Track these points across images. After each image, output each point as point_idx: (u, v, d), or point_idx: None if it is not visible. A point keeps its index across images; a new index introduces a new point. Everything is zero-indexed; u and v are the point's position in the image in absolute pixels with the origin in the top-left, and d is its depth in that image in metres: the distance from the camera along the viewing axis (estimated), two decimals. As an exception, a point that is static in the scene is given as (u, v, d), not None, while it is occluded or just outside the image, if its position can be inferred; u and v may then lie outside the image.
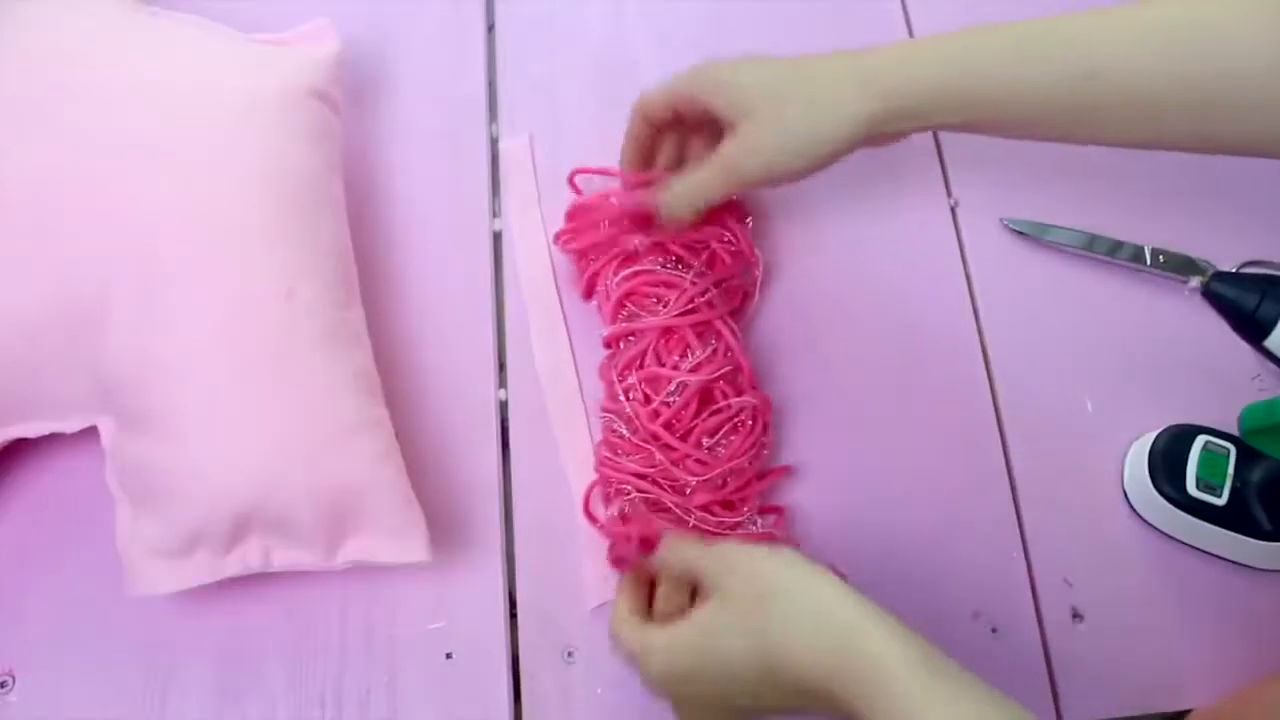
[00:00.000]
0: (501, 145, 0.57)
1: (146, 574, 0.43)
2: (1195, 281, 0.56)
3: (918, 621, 0.48)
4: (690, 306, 0.49)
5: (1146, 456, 0.51)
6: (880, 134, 0.45)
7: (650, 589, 0.44)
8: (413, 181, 0.56)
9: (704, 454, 0.48)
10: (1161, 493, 0.50)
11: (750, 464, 0.49)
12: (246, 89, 0.47)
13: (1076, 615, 0.50)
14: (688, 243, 0.50)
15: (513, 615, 0.48)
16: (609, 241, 0.51)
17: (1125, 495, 0.52)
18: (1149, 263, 0.56)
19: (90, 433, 0.46)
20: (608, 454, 0.49)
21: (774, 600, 0.37)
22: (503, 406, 0.52)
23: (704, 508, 0.47)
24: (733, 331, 0.49)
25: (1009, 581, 0.50)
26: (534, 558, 0.49)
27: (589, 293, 0.53)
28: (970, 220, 0.58)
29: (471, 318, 0.53)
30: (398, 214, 0.55)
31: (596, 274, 0.52)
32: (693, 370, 0.48)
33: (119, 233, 0.44)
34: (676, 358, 0.48)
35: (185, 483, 0.42)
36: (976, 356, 0.55)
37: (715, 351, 0.49)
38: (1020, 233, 0.57)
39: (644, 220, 0.50)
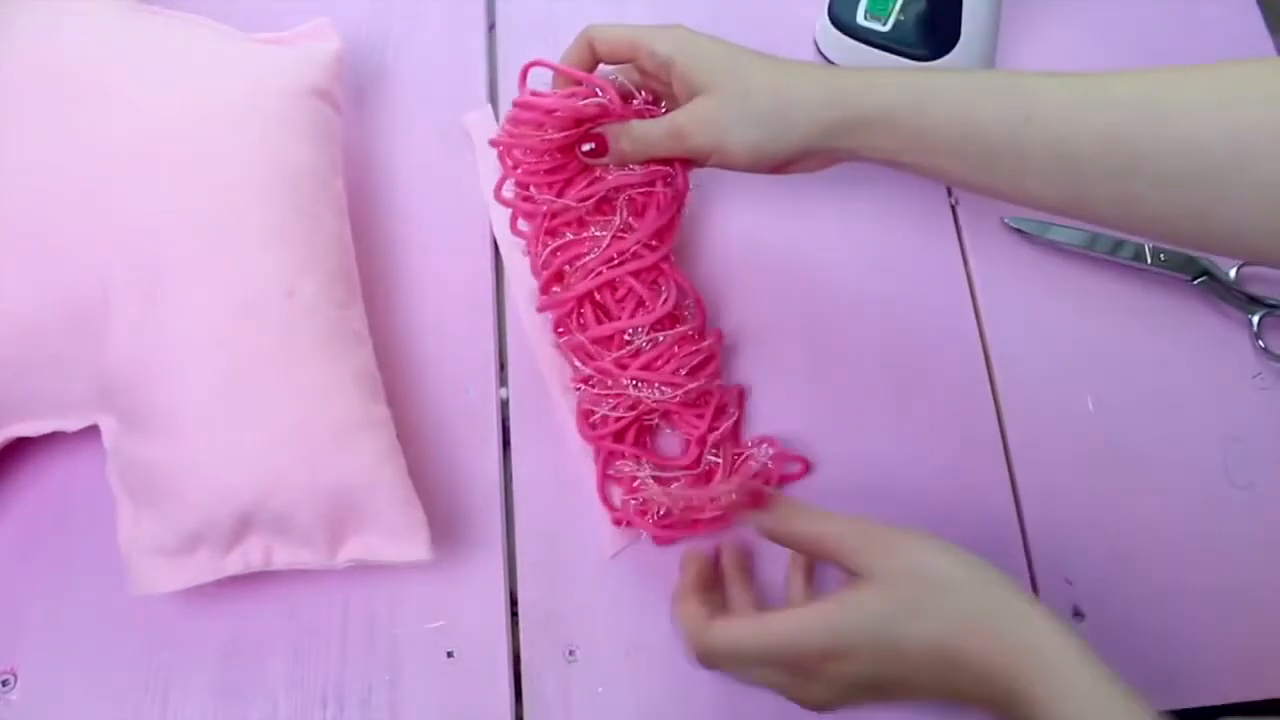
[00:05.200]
0: (465, 118, 0.57)
1: (148, 573, 0.43)
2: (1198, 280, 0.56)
3: (919, 620, 0.49)
4: (621, 259, 0.49)
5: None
6: (827, 148, 0.45)
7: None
8: (413, 181, 0.56)
9: (683, 379, 0.49)
10: (835, 23, 0.58)
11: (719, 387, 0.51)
12: (247, 88, 0.48)
13: (1077, 614, 0.50)
14: (624, 184, 0.49)
15: (514, 614, 0.48)
16: (553, 145, 0.49)
17: (816, 44, 0.61)
18: (1150, 261, 0.56)
19: (92, 432, 0.46)
20: (586, 420, 0.49)
21: (953, 591, 0.39)
22: (504, 405, 0.52)
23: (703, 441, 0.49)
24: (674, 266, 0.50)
25: (1010, 580, 0.50)
26: (535, 556, 0.49)
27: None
28: (971, 219, 0.58)
29: (472, 316, 0.53)
30: (398, 213, 0.55)
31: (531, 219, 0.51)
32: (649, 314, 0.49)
33: (120, 231, 0.44)
34: (630, 306, 0.49)
35: (186, 482, 0.42)
36: (977, 355, 0.55)
37: (667, 295, 0.50)
38: (1021, 231, 0.57)
39: (588, 131, 0.48)
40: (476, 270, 0.54)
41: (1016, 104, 0.41)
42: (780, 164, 0.46)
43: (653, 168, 0.49)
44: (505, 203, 0.52)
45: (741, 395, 0.52)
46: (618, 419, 0.48)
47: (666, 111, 0.48)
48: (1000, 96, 0.42)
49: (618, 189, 0.49)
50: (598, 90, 0.47)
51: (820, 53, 0.61)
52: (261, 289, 0.44)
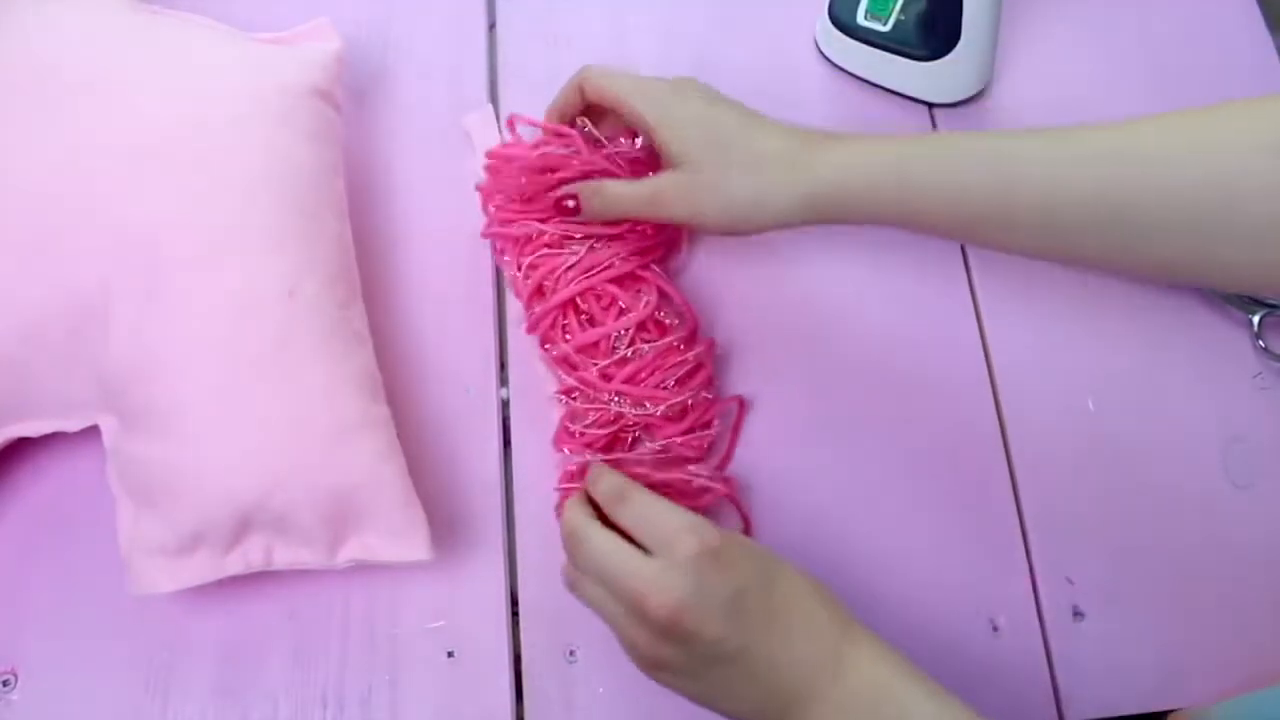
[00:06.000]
0: (465, 118, 0.57)
1: (148, 573, 0.43)
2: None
3: (919, 620, 0.49)
4: (605, 265, 0.49)
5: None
6: (807, 222, 0.46)
7: None
8: (413, 181, 0.56)
9: (665, 393, 0.48)
10: (835, 23, 0.59)
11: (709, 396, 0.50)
12: (248, 88, 0.48)
13: (1078, 613, 0.50)
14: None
15: (515, 614, 0.48)
16: (528, 193, 0.51)
17: (817, 44, 0.61)
18: (1149, 261, 0.56)
19: (92, 432, 0.46)
20: (568, 428, 0.49)
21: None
22: (504, 405, 0.52)
23: (667, 448, 0.48)
24: (658, 274, 0.51)
25: (1010, 579, 0.50)
26: (536, 556, 0.49)
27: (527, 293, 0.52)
28: (971, 219, 0.58)
29: (472, 316, 0.53)
30: (398, 213, 0.55)
31: (507, 251, 0.52)
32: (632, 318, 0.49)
33: (120, 232, 0.44)
34: (613, 313, 0.49)
35: (187, 482, 0.42)
36: (978, 354, 0.55)
37: (648, 299, 0.50)
38: (1021, 231, 0.57)
39: (562, 179, 0.50)
40: (476, 270, 0.54)
41: (999, 171, 0.42)
42: (755, 233, 0.47)
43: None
44: (488, 235, 0.53)
45: (741, 406, 0.52)
46: (596, 433, 0.48)
47: (640, 144, 0.50)
48: (982, 166, 0.42)
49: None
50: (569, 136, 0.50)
51: (820, 52, 0.61)
52: (262, 289, 0.44)
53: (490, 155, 0.52)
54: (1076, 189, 0.41)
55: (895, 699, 0.37)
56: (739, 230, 0.47)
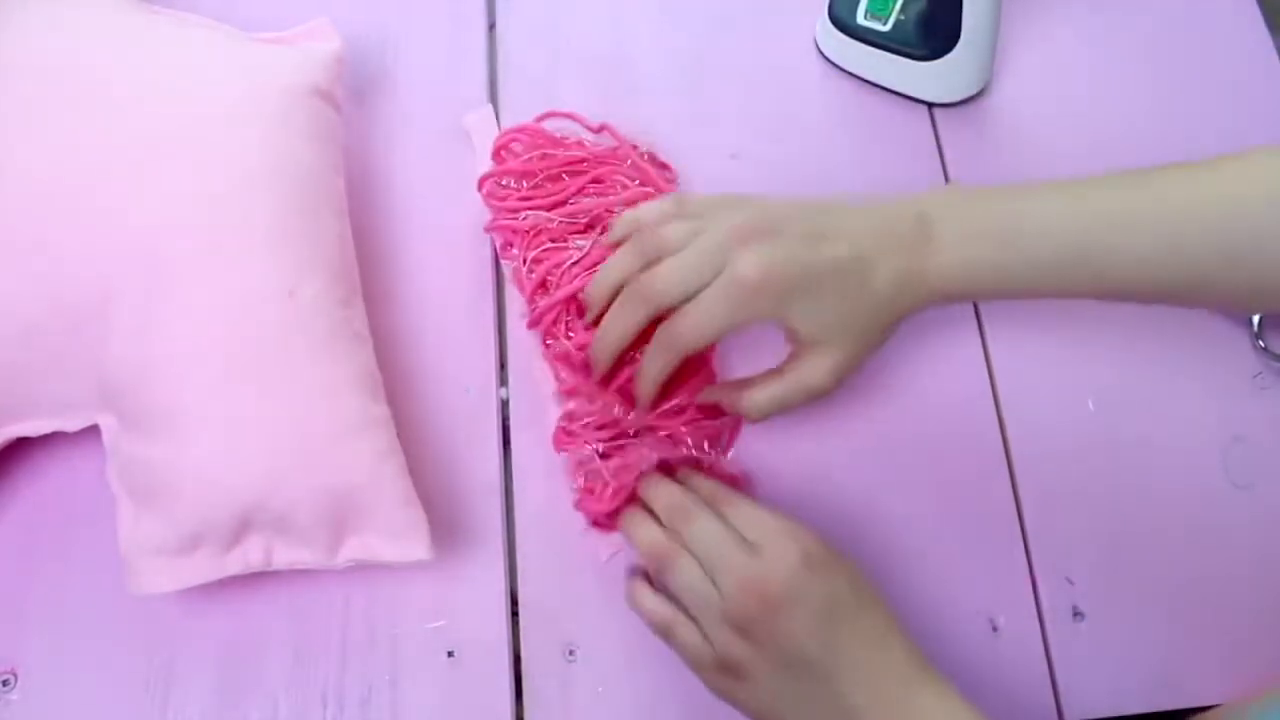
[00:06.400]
0: (465, 118, 0.57)
1: (148, 573, 0.43)
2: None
3: (919, 620, 0.49)
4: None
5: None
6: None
7: None
8: (413, 181, 0.56)
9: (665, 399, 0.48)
10: (835, 23, 0.59)
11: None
12: (248, 88, 0.48)
13: (1078, 613, 0.50)
14: (604, 208, 0.51)
15: (514, 613, 0.48)
16: (537, 172, 0.52)
17: (817, 44, 0.61)
18: (1149, 261, 0.56)
19: (92, 431, 0.46)
20: (565, 429, 0.49)
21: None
22: (504, 405, 0.52)
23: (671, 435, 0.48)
24: None
25: (1010, 579, 0.50)
26: (535, 556, 0.49)
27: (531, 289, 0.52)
28: (971, 219, 0.58)
29: (473, 316, 0.53)
30: (398, 213, 0.55)
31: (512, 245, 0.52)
32: None
33: (120, 232, 0.44)
34: None
35: (186, 481, 0.42)
36: (978, 354, 0.55)
37: None
38: (1021, 231, 0.57)
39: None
40: (476, 270, 0.54)
41: (1101, 267, 0.44)
42: None
43: (637, 189, 0.51)
44: (492, 229, 0.53)
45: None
46: (596, 435, 0.48)
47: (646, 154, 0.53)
48: (1082, 265, 0.44)
49: (599, 217, 0.51)
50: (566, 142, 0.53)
51: (820, 52, 0.61)
52: (262, 289, 0.44)
53: (503, 133, 0.53)
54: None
55: None
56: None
